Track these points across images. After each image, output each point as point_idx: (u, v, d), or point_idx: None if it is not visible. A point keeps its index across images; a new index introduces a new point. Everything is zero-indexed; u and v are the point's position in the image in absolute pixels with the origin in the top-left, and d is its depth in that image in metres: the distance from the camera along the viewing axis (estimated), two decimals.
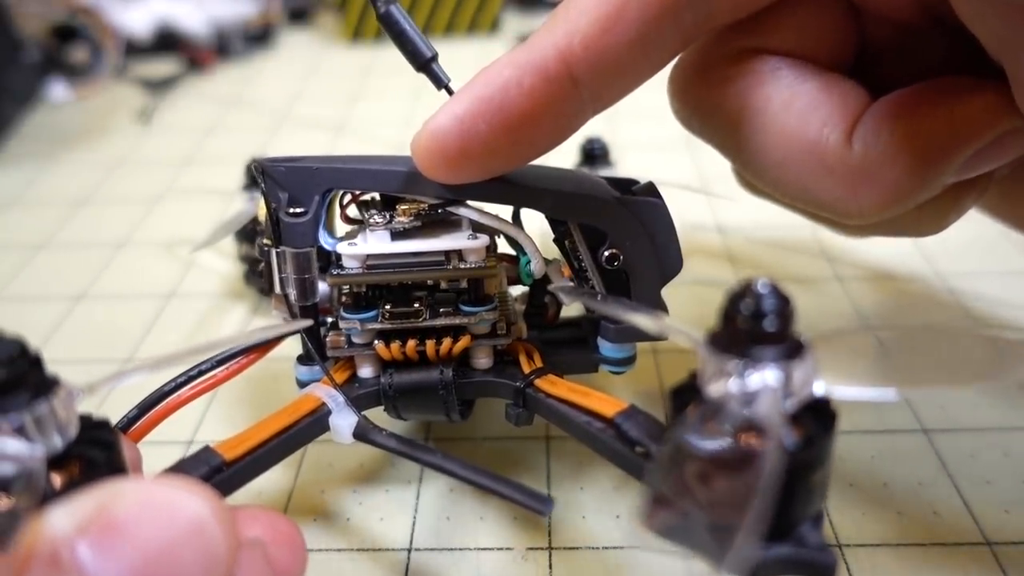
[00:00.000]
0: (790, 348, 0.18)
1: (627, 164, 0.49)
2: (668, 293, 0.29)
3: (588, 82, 0.23)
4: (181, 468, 0.24)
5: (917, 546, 0.28)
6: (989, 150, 0.23)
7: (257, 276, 0.42)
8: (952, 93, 0.23)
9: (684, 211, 0.41)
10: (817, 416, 0.18)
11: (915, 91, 0.24)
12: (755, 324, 0.17)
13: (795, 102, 0.24)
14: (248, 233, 0.42)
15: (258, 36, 0.88)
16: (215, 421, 0.36)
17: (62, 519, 0.16)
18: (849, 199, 0.24)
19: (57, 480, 0.17)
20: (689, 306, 0.35)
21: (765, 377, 0.17)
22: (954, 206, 0.27)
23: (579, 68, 0.23)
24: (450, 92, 0.27)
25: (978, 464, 0.31)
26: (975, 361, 0.20)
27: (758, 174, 0.26)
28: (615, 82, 0.24)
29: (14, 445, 0.17)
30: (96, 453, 0.18)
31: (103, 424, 0.20)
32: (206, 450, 0.24)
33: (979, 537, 0.28)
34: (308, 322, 0.28)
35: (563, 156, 0.42)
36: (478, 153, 0.24)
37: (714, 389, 0.18)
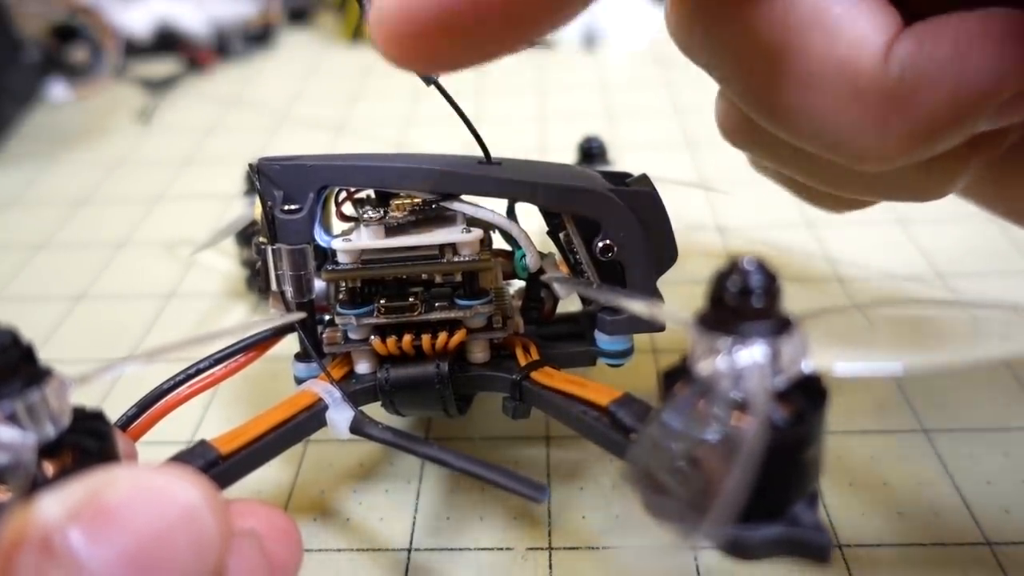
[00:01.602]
0: (778, 324, 0.18)
1: (626, 163, 0.49)
2: (667, 293, 0.29)
3: None
4: (177, 461, 0.24)
5: (917, 546, 0.28)
6: None
7: (257, 275, 0.42)
8: (1002, 26, 0.20)
9: (683, 211, 0.41)
10: (808, 393, 0.18)
11: (964, 17, 0.21)
12: (742, 301, 0.17)
13: (824, 13, 0.21)
14: (250, 237, 0.42)
15: (258, 36, 0.88)
16: (215, 421, 0.36)
17: (54, 505, 0.16)
18: (874, 132, 0.21)
19: (49, 468, 0.17)
20: (688, 305, 0.35)
21: (753, 353, 0.17)
22: (963, 167, 0.24)
23: None
24: (439, 88, 0.27)
25: (978, 464, 0.31)
26: (956, 337, 0.20)
27: (768, 103, 0.23)
28: None
29: (5, 433, 0.17)
30: (89, 442, 0.18)
31: (97, 415, 0.20)
32: (202, 444, 0.24)
33: (979, 537, 0.28)
34: (302, 314, 0.28)
35: (561, 155, 0.42)
36: (461, 21, 0.18)
37: (703, 367, 0.18)
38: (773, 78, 0.22)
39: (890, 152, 0.21)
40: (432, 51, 0.19)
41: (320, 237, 0.28)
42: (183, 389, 0.27)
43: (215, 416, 0.36)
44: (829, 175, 0.26)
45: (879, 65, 0.20)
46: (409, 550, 0.29)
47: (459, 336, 0.29)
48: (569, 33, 0.81)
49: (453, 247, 0.28)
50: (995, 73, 0.20)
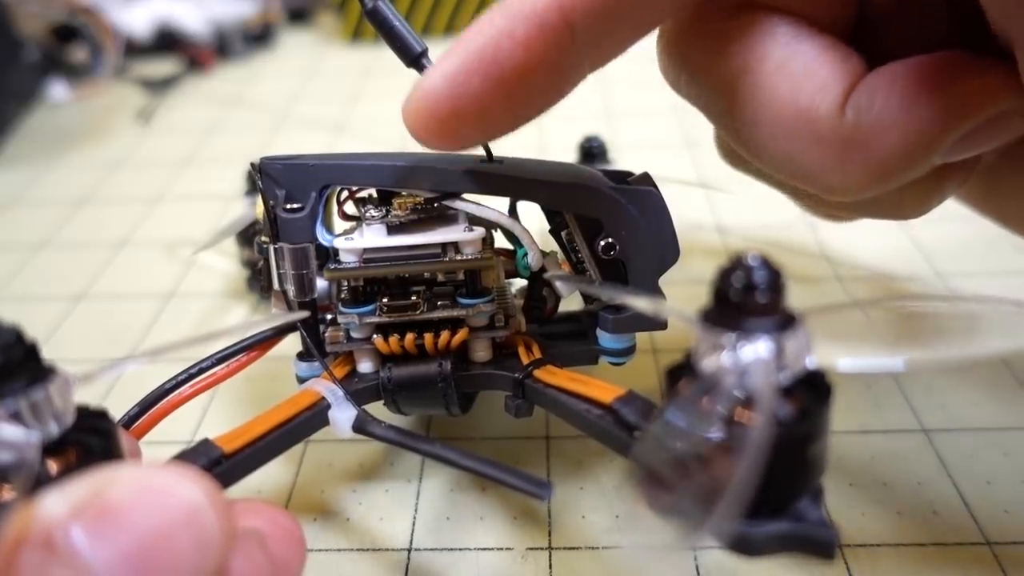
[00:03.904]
0: (782, 320, 0.18)
1: (626, 163, 0.49)
2: (668, 292, 0.29)
3: (585, 30, 0.22)
4: (180, 460, 0.24)
5: (917, 546, 0.28)
6: (983, 130, 0.22)
7: (257, 275, 0.42)
8: (951, 68, 0.22)
9: (683, 210, 0.41)
10: (812, 389, 0.18)
11: (914, 63, 0.22)
12: (747, 297, 0.17)
13: (790, 64, 0.23)
14: (251, 238, 0.42)
15: (258, 36, 0.88)
16: (215, 420, 0.36)
17: (57, 503, 0.16)
18: (836, 171, 0.23)
19: (53, 467, 0.17)
20: (689, 305, 0.35)
21: (757, 349, 0.17)
22: (937, 189, 0.26)
23: (575, 15, 0.22)
24: None
25: (978, 464, 0.31)
26: (953, 334, 0.20)
27: (745, 140, 0.25)
28: (614, 31, 0.23)
29: (10, 431, 0.17)
30: (93, 441, 0.18)
31: (100, 413, 0.20)
32: (205, 442, 0.24)
33: (979, 537, 0.28)
34: (305, 313, 0.28)
35: (561, 155, 0.42)
36: (471, 112, 0.22)
37: (707, 364, 0.18)
38: (747, 121, 0.24)
39: (852, 187, 0.23)
40: (449, 133, 0.23)
41: (322, 236, 0.28)
42: (185, 388, 0.27)
43: (215, 416, 0.36)
44: (811, 198, 0.28)
45: (836, 113, 0.22)
46: (409, 550, 0.29)
47: (461, 335, 0.29)
48: None
49: (455, 246, 0.28)
50: (940, 120, 0.22)
